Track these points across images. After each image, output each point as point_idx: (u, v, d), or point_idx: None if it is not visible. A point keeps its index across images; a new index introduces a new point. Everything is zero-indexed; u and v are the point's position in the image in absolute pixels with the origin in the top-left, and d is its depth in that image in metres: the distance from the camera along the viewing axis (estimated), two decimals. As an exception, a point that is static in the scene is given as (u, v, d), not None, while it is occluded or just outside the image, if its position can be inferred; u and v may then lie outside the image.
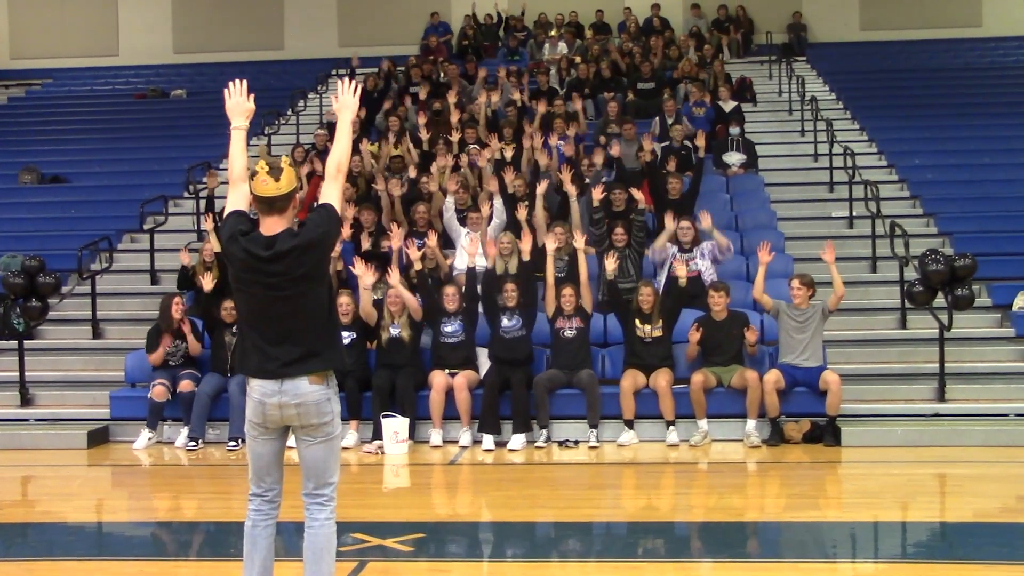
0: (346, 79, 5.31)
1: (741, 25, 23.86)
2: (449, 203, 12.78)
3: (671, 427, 10.45)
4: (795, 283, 10.64)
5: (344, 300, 10.91)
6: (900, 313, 12.26)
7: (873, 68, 21.97)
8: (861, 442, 10.13)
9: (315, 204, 11.92)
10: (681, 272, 11.01)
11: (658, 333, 10.81)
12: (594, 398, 10.56)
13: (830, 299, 10.55)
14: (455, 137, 14.58)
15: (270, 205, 4.89)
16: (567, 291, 10.89)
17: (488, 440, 10.43)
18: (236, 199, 5.05)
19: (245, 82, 5.35)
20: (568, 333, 10.90)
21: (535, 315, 11.07)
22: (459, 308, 10.96)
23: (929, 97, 19.99)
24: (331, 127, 16.96)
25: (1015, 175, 15.87)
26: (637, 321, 10.84)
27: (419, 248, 11.55)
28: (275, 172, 4.86)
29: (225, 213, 5.05)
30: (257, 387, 4.92)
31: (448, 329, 10.99)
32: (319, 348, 4.91)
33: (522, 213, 11.99)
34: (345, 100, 5.20)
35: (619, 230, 11.98)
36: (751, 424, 10.37)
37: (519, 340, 10.89)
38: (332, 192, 5.05)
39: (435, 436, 10.61)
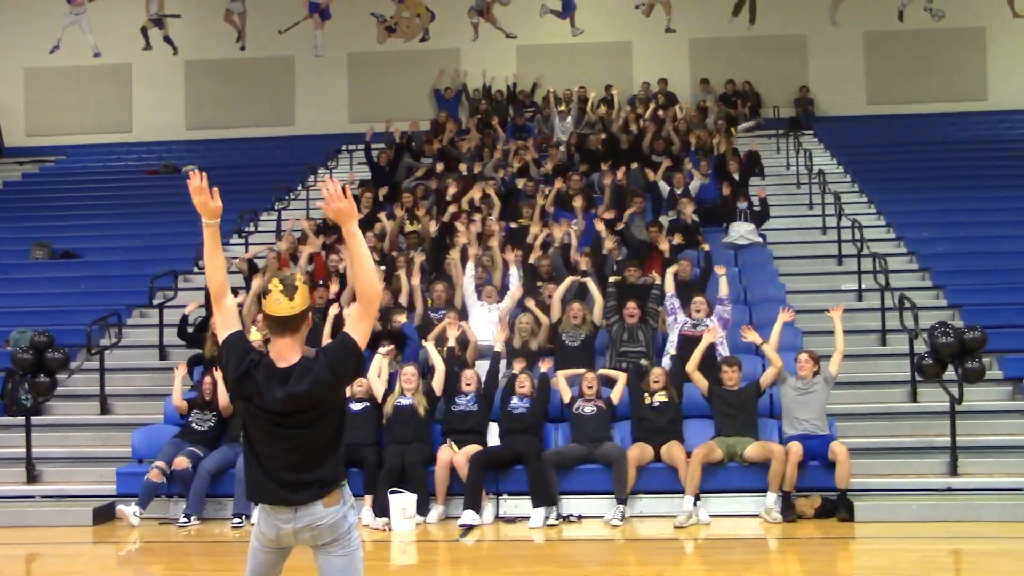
0: (329, 181, 4.71)
1: (748, 99, 24.06)
2: (470, 276, 12.87)
3: (697, 501, 10.11)
4: (803, 356, 10.76)
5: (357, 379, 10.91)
6: (910, 386, 12.18)
7: (880, 141, 22.09)
8: (874, 517, 9.98)
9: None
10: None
11: (663, 398, 10.76)
12: (622, 472, 10.28)
13: (832, 361, 10.58)
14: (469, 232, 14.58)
15: (283, 325, 4.59)
16: (589, 375, 10.97)
17: (470, 516, 10.15)
18: (227, 319, 4.73)
19: (205, 175, 4.99)
20: (588, 410, 10.82)
21: (547, 400, 11.09)
22: (476, 390, 11.02)
23: (936, 170, 20.06)
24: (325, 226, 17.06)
25: (1023, 247, 15.86)
26: (645, 394, 10.85)
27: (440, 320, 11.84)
28: (289, 290, 4.57)
29: (219, 337, 4.70)
30: (272, 514, 4.70)
31: (461, 400, 10.99)
32: (330, 472, 4.68)
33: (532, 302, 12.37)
34: (342, 208, 4.57)
35: (631, 304, 11.98)
36: (771, 498, 10.15)
37: (527, 414, 10.83)
38: (361, 327, 4.63)
39: (434, 512, 10.46)
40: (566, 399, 11.04)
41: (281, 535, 4.72)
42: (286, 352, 4.58)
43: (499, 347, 11.58)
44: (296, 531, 4.70)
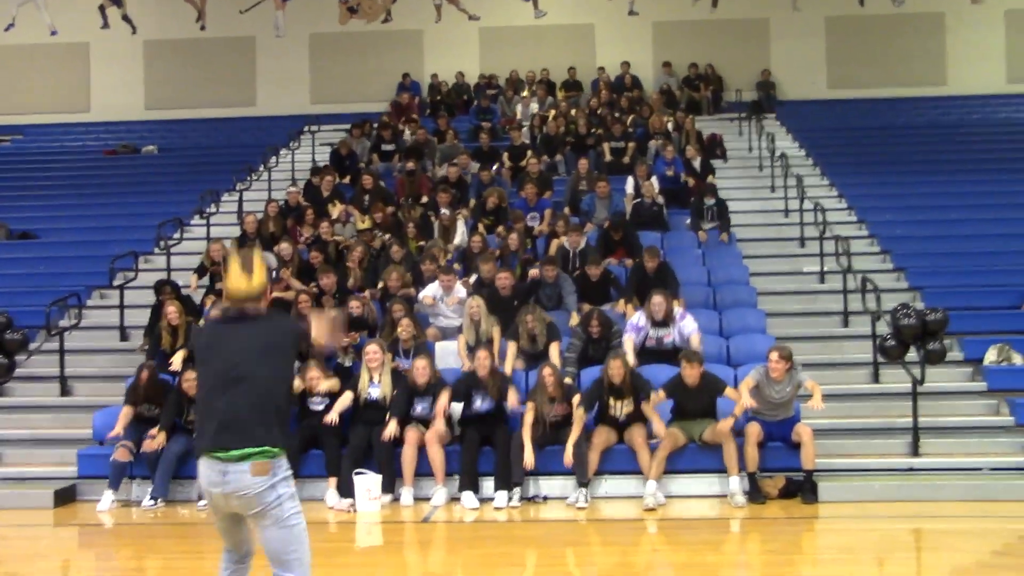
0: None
1: (711, 83, 24.17)
2: (434, 289, 12.57)
3: (656, 484, 10.02)
4: (774, 356, 10.27)
5: (314, 374, 10.78)
6: (873, 367, 12.26)
7: (841, 125, 22.28)
8: (838, 497, 10.03)
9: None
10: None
11: (629, 409, 10.43)
12: (582, 455, 10.15)
13: (813, 390, 10.29)
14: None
15: (242, 303, 5.03)
16: (546, 371, 10.49)
17: (470, 498, 10.16)
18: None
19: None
20: (553, 418, 10.49)
21: (506, 394, 10.71)
22: (429, 381, 10.62)
23: (897, 153, 20.22)
24: (308, 187, 17.00)
25: (983, 230, 16.02)
26: (611, 399, 10.44)
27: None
28: (248, 267, 4.99)
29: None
30: (203, 472, 4.91)
31: (419, 408, 10.67)
32: (265, 431, 4.91)
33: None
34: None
35: (594, 322, 11.56)
36: (733, 482, 10.03)
37: (491, 413, 10.64)
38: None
39: (406, 494, 10.35)
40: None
41: (213, 500, 4.93)
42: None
43: (466, 368, 11.30)
44: (226, 496, 4.87)
